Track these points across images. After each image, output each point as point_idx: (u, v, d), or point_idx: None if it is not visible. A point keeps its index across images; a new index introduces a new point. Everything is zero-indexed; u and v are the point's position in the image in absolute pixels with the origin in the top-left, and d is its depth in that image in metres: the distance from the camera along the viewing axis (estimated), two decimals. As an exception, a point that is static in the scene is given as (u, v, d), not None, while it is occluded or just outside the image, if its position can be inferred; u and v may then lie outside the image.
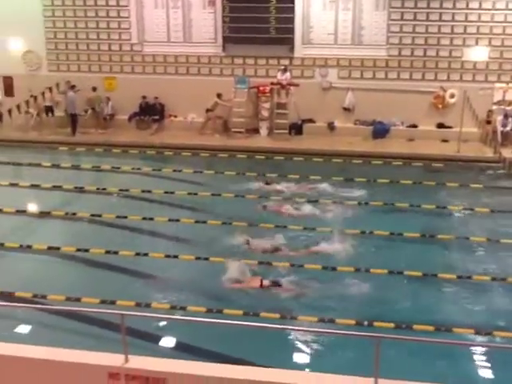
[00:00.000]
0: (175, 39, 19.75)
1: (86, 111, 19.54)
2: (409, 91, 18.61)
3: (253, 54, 19.24)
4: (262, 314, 8.73)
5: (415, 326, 8.47)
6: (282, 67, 18.82)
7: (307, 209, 13.05)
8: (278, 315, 8.76)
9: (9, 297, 9.41)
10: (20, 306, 8.55)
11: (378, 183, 15.05)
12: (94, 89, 19.49)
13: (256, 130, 19.16)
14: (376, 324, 8.53)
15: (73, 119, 18.94)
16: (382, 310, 9.09)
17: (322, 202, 13.46)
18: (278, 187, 14.41)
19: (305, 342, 8.17)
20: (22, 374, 6.56)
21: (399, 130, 18.70)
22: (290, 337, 8.28)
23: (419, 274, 10.16)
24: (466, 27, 18.30)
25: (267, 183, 14.60)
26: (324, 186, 14.36)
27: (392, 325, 8.47)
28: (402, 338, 7.07)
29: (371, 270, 10.24)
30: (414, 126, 18.82)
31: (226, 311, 8.90)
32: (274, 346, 7.87)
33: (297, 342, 8.20)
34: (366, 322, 8.60)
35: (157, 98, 19.48)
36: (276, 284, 9.61)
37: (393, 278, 10.13)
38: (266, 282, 9.61)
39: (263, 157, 17.36)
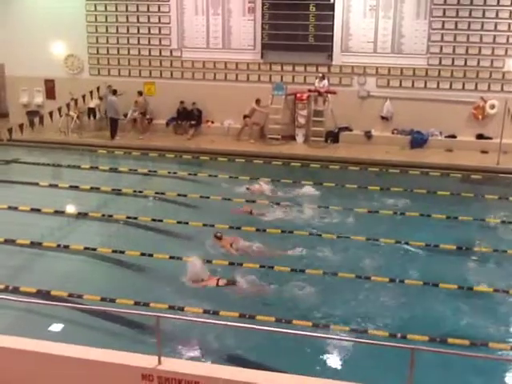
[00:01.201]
0: (214, 45, 19.91)
1: (125, 115, 19.83)
2: (448, 101, 18.38)
3: (291, 61, 19.27)
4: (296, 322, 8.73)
5: (450, 340, 8.35)
6: (320, 75, 18.80)
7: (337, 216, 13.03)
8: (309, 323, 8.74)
9: (46, 295, 9.60)
10: (56, 304, 8.68)
11: (415, 193, 14.85)
12: (140, 93, 19.81)
13: (292, 137, 19.16)
14: (410, 336, 8.42)
15: (112, 123, 19.25)
16: (415, 322, 8.98)
17: (357, 212, 13.38)
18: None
19: (336, 352, 8.13)
20: (57, 372, 6.67)
21: (438, 140, 18.47)
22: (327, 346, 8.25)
23: (454, 286, 10.00)
24: (508, 37, 18.00)
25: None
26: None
27: (426, 337, 8.37)
28: (435, 350, 6.97)
29: (406, 281, 10.14)
30: (453, 137, 18.56)
31: (261, 318, 8.89)
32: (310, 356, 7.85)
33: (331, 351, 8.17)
34: (399, 335, 8.49)
35: (194, 103, 19.66)
36: (231, 283, 9.96)
37: (428, 289, 10.00)
38: (222, 282, 10.00)
39: (299, 164, 17.33)
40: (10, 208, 13.58)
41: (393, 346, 6.77)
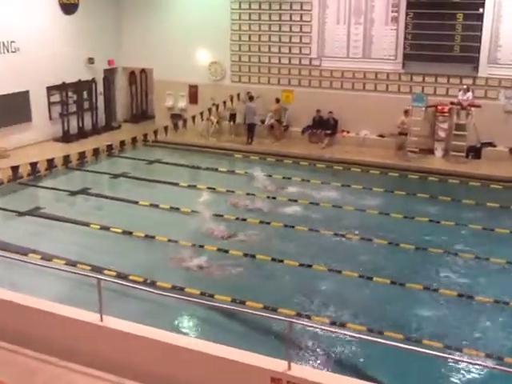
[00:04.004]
0: (354, 55, 19.76)
1: (262, 121, 20.25)
2: None
3: (433, 72, 18.65)
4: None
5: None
6: (464, 87, 18.01)
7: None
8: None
9: (180, 291, 10.01)
10: (188, 299, 9.00)
11: None
12: (278, 100, 20.14)
13: (430, 151, 18.51)
14: None
15: (250, 129, 19.73)
16: None
17: (499, 232, 12.66)
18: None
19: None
20: (187, 365, 6.91)
21: None
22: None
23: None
24: None
25: None
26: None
27: None
28: None
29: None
30: None
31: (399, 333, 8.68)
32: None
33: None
34: None
35: (331, 112, 19.63)
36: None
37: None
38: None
39: (436, 179, 16.71)
40: (151, 205, 14.35)
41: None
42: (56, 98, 20.09)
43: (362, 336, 7.62)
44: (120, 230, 12.66)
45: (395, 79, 19.21)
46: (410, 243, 12.18)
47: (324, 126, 19.79)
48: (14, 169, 15.28)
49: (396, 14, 18.99)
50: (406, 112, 18.21)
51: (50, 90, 19.84)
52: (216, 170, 17.42)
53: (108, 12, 22.01)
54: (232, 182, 16.34)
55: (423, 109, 18.48)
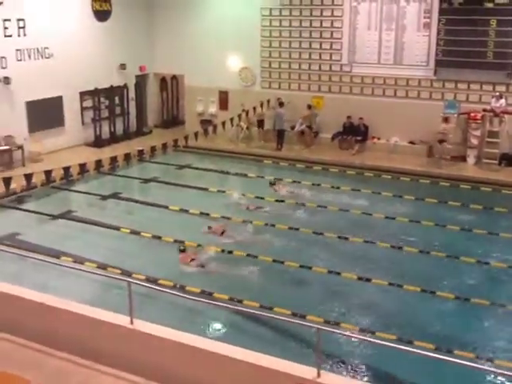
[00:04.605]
0: (385, 61, 19.63)
1: (292, 127, 20.25)
2: None
3: (466, 79, 18.42)
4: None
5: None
6: (497, 93, 17.75)
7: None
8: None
9: (208, 296, 10.04)
10: (217, 303, 8.99)
11: None
12: (309, 106, 20.12)
13: (462, 158, 18.27)
14: None
15: (280, 135, 19.74)
16: None
17: None
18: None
19: None
20: (217, 370, 6.93)
21: None
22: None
23: None
24: None
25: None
26: None
27: None
28: None
29: None
30: None
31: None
32: None
33: None
34: None
35: (361, 118, 19.53)
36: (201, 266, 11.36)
37: None
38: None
39: (468, 186, 16.48)
40: (181, 210, 14.44)
41: None
42: (88, 103, 20.40)
43: (391, 344, 7.52)
44: (150, 235, 12.77)
45: (427, 86, 19.03)
46: (441, 251, 12.05)
47: (354, 133, 19.69)
48: (48, 173, 15.53)
49: (428, 20, 18.82)
50: (446, 119, 18.05)
51: (83, 95, 20.16)
52: (245, 175, 17.45)
53: (140, 19, 22.28)
54: (261, 187, 16.34)
55: (455, 116, 18.27)
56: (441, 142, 18.10)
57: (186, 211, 14.34)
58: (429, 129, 18.43)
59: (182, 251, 11.78)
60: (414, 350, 6.87)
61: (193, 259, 11.56)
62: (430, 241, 12.67)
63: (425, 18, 18.89)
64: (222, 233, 12.91)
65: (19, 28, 17.65)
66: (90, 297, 9.75)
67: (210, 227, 13.13)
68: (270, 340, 8.98)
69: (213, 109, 22.25)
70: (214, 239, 12.71)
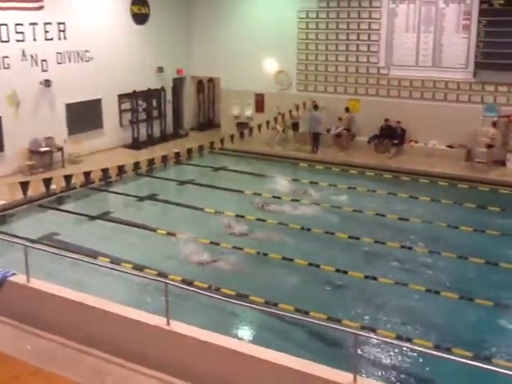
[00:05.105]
0: (423, 63, 19.41)
1: (327, 130, 20.17)
2: None
3: (507, 81, 18.08)
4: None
5: None
6: (539, 96, 17.42)
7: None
8: None
9: (244, 299, 10.03)
10: (254, 306, 9.04)
11: None
12: (347, 109, 20.03)
13: (502, 162, 17.92)
14: None
15: (315, 137, 19.67)
16: None
17: None
18: None
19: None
20: (254, 373, 6.94)
21: None
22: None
23: None
24: None
25: None
26: None
27: None
28: None
29: None
30: None
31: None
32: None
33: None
34: None
35: (399, 122, 19.33)
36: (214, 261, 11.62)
37: None
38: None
39: (508, 191, 16.15)
40: (216, 212, 14.50)
41: None
42: (126, 105, 20.69)
43: (429, 351, 7.43)
44: (185, 237, 12.84)
45: (466, 88, 18.74)
46: (479, 257, 11.82)
47: (391, 136, 19.50)
48: (87, 174, 15.77)
49: (468, 22, 18.54)
50: (495, 124, 17.77)
51: (121, 97, 20.45)
52: (280, 178, 17.33)
53: (178, 22, 22.49)
54: (298, 190, 16.29)
55: (495, 119, 17.94)
56: (489, 146, 17.76)
57: (221, 213, 14.39)
58: (467, 132, 18.17)
59: None
60: (453, 357, 6.74)
61: None
62: (469, 246, 12.44)
63: (464, 19, 18.62)
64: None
65: (59, 31, 18.01)
66: (126, 297, 9.84)
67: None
68: (302, 343, 8.91)
69: (249, 111, 22.32)
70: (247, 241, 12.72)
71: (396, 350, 8.59)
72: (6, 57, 16.49)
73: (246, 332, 9.49)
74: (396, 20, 19.59)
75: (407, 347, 8.10)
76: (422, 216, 14.12)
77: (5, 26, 16.40)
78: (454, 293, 10.39)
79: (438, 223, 13.70)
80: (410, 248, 12.39)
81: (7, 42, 16.50)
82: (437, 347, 8.46)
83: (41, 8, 17.28)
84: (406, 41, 19.59)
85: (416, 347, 7.52)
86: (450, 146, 18.88)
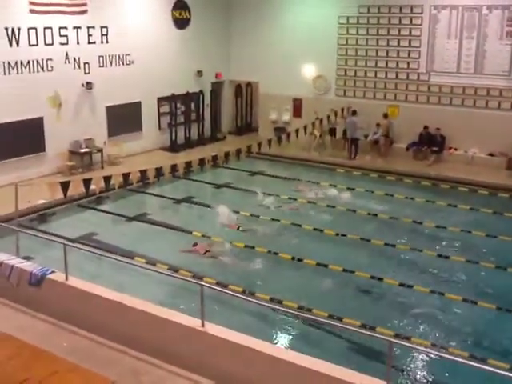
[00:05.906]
0: (465, 70, 19.13)
1: (365, 136, 20.04)
2: None
3: (550, 90, 17.75)
4: None
5: None
6: None
7: None
8: None
9: (277, 303, 10.03)
10: (287, 310, 9.04)
11: None
12: (386, 115, 19.87)
13: (544, 172, 17.56)
14: None
15: (353, 143, 19.56)
16: None
17: None
18: None
19: None
20: (288, 379, 6.93)
21: None
22: None
23: None
24: None
25: None
26: None
27: None
28: None
29: None
30: None
31: None
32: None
33: None
34: None
35: (439, 129, 19.08)
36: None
37: None
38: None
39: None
40: (252, 215, 14.53)
41: None
42: (165, 108, 20.91)
43: (464, 361, 7.28)
44: (221, 240, 12.91)
45: (508, 96, 18.40)
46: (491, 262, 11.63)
47: (431, 143, 19.26)
48: (125, 176, 15.96)
49: (511, 29, 18.20)
50: None
51: (160, 100, 20.69)
52: (318, 183, 17.35)
53: (218, 27, 22.68)
54: (334, 196, 16.21)
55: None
56: None
57: (257, 217, 14.42)
58: (509, 140, 17.83)
59: None
60: (488, 367, 6.60)
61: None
62: (508, 256, 12.19)
63: (508, 25, 18.29)
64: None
65: (102, 35, 18.34)
66: (161, 297, 9.95)
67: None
68: (340, 351, 8.86)
69: (286, 116, 22.35)
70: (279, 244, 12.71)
71: (428, 359, 8.47)
72: (50, 59, 16.88)
73: (279, 336, 9.47)
74: (438, 26, 19.36)
75: (443, 356, 7.95)
76: (461, 225, 13.89)
77: (49, 30, 16.80)
78: (491, 303, 10.18)
79: (476, 232, 13.48)
80: (447, 257, 12.20)
81: (51, 44, 16.90)
82: (472, 357, 8.31)
83: (84, 12, 17.65)
84: (448, 47, 19.35)
85: (451, 357, 7.38)
86: (491, 155, 18.56)
